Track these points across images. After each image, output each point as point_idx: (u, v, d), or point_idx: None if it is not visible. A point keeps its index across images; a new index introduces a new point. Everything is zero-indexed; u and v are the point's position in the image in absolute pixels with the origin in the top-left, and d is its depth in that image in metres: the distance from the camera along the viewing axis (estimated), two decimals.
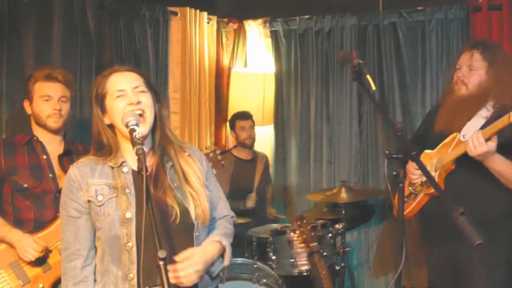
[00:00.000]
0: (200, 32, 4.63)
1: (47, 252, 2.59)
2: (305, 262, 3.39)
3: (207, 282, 1.92)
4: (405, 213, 2.85)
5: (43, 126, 2.79)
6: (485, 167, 2.54)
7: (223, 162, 3.45)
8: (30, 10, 3.39)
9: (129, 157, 1.89)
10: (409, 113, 4.34)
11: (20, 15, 3.34)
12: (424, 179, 2.77)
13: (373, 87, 1.77)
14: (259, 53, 4.89)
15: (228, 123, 4.88)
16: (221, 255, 1.97)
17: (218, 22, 4.89)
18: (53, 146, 2.85)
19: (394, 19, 4.37)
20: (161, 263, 1.45)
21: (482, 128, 2.57)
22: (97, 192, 1.83)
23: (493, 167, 2.53)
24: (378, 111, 1.84)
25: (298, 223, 3.32)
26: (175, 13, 4.48)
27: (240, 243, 3.84)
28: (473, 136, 2.48)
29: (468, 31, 4.08)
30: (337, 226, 3.58)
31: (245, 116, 4.40)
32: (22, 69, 3.34)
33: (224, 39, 4.98)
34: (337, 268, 3.69)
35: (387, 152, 1.79)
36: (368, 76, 1.76)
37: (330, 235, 3.54)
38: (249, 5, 4.96)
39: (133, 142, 1.71)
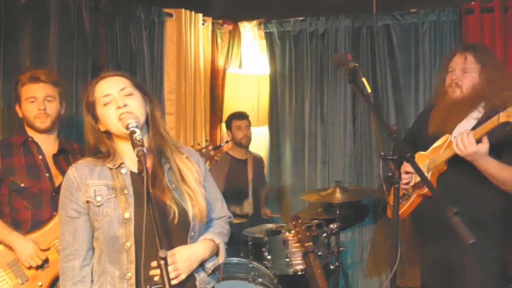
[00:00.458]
0: (195, 34, 4.65)
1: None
2: (300, 262, 3.42)
3: (203, 279, 1.94)
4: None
5: (32, 127, 2.83)
6: (477, 168, 2.58)
7: (216, 158, 3.47)
8: (26, 12, 3.40)
9: (127, 159, 1.92)
10: (402, 114, 4.38)
11: (16, 17, 3.35)
12: (417, 180, 2.82)
13: (369, 90, 1.80)
14: (254, 55, 4.92)
15: (224, 124, 4.91)
16: (216, 253, 1.99)
17: (213, 24, 4.92)
18: (48, 146, 2.87)
19: (388, 21, 4.40)
20: (162, 262, 1.47)
21: (473, 129, 2.61)
22: (96, 192, 1.85)
23: (484, 169, 2.56)
24: (373, 113, 1.87)
25: (293, 223, 3.35)
26: (171, 15, 4.50)
27: (236, 243, 3.87)
28: (463, 136, 2.51)
29: (461, 33, 4.12)
30: (331, 226, 3.61)
31: (241, 116, 4.44)
32: (19, 71, 3.31)
33: (219, 40, 5.00)
34: (332, 267, 3.73)
35: (382, 153, 1.82)
36: (364, 79, 1.79)
37: (324, 235, 3.57)
38: (244, 7, 4.98)
39: (134, 144, 1.73)
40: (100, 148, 1.92)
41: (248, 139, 4.43)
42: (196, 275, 1.91)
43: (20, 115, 2.85)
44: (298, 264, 3.43)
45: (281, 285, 3.43)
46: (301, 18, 4.72)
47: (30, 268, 2.61)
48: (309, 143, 4.71)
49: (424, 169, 2.78)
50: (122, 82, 1.92)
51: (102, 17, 3.90)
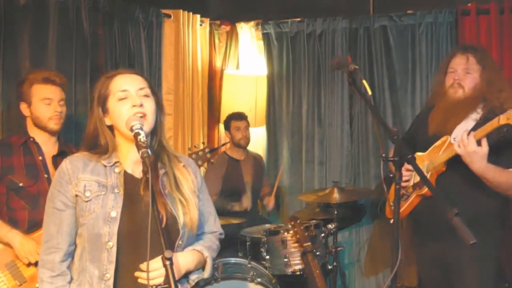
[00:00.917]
0: (193, 35, 4.67)
1: None
2: (298, 262, 3.43)
3: None
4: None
5: (43, 128, 2.84)
6: None
7: (212, 160, 3.48)
8: (25, 13, 3.41)
9: (124, 159, 1.90)
10: (399, 114, 4.40)
11: (15, 18, 3.35)
12: (416, 180, 2.84)
13: (369, 92, 1.82)
14: (251, 55, 4.94)
15: (222, 124, 4.93)
16: (202, 267, 1.95)
17: (210, 25, 4.92)
18: (48, 147, 2.90)
19: (385, 23, 4.42)
20: (168, 263, 1.46)
21: (472, 130, 2.64)
22: (86, 187, 1.83)
23: (481, 173, 2.58)
24: (374, 115, 1.89)
25: (292, 223, 3.38)
26: (169, 16, 4.51)
27: (234, 243, 3.88)
28: (464, 135, 2.54)
29: (457, 35, 4.15)
30: (329, 226, 3.64)
31: (240, 116, 4.45)
32: (18, 72, 3.35)
33: (216, 41, 5.01)
34: (329, 267, 3.75)
35: (383, 155, 1.84)
36: (364, 81, 1.81)
37: (322, 235, 3.60)
38: (241, 8, 5.00)
39: (138, 146, 1.70)
40: (99, 140, 1.89)
41: (247, 140, 4.45)
42: (180, 285, 1.83)
43: (26, 114, 2.86)
44: (296, 264, 3.44)
45: (279, 285, 3.44)
46: (298, 19, 4.73)
47: (29, 265, 2.62)
48: (306, 143, 4.72)
49: (423, 170, 2.81)
50: (141, 82, 1.90)
51: (101, 18, 3.91)
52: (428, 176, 2.78)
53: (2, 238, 2.65)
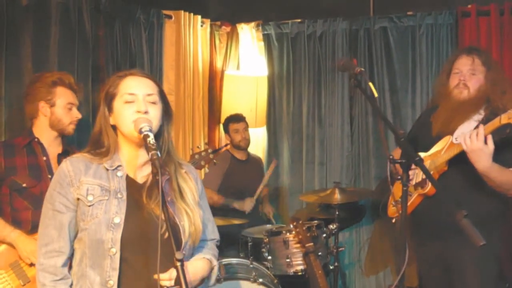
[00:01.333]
0: (194, 35, 4.68)
1: None
2: (300, 262, 3.45)
3: None
4: (398, 214, 2.95)
5: (61, 130, 2.89)
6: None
7: (215, 161, 3.49)
8: (27, 14, 3.40)
9: (126, 162, 1.87)
10: (399, 115, 4.42)
11: (18, 19, 3.35)
12: (418, 180, 2.86)
13: (375, 94, 1.83)
14: (252, 56, 4.95)
15: (221, 126, 4.95)
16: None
17: (211, 25, 4.93)
18: (53, 147, 2.91)
19: (385, 24, 4.43)
20: (178, 264, 1.46)
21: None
22: (89, 191, 1.79)
23: (485, 172, 2.60)
24: (380, 118, 1.90)
25: (294, 224, 3.39)
26: (170, 17, 4.51)
27: (235, 243, 3.90)
28: (473, 132, 2.55)
29: (457, 36, 4.16)
30: (331, 226, 3.65)
31: (238, 118, 4.46)
32: (20, 73, 3.35)
33: (217, 42, 5.02)
34: (331, 267, 3.77)
35: (391, 156, 1.85)
36: (370, 84, 1.83)
37: (324, 235, 3.61)
38: (242, 9, 5.01)
39: (147, 148, 1.69)
40: (103, 140, 1.86)
41: (247, 141, 4.45)
42: None
43: (45, 114, 2.86)
44: (298, 264, 3.45)
45: (281, 285, 3.46)
46: (299, 20, 4.75)
47: (31, 265, 2.63)
48: (307, 144, 4.74)
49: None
50: (151, 88, 1.87)
51: (102, 19, 3.91)
52: None
53: (5, 238, 2.66)
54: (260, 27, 4.89)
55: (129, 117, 1.81)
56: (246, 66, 4.98)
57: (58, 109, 2.85)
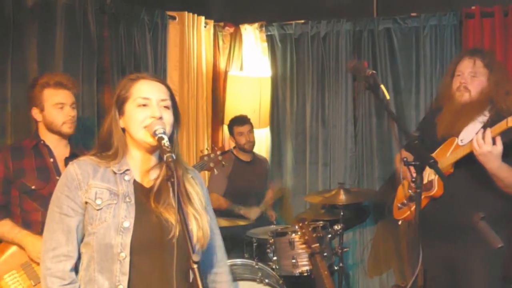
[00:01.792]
0: (197, 36, 4.69)
1: None
2: (306, 263, 3.45)
3: None
4: (405, 215, 2.98)
5: (57, 132, 2.86)
6: (483, 170, 2.62)
7: (223, 162, 3.49)
8: (33, 15, 3.42)
9: (134, 166, 1.86)
10: (403, 116, 4.41)
11: (23, 20, 3.36)
12: (424, 182, 2.87)
13: (387, 96, 1.84)
14: (255, 57, 4.96)
15: (225, 126, 4.97)
16: None
17: (214, 26, 4.94)
18: (60, 149, 2.91)
19: (389, 25, 4.45)
20: (195, 266, 1.46)
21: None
22: (97, 195, 1.77)
23: (495, 172, 2.61)
24: (393, 120, 1.91)
25: (300, 224, 3.39)
26: (173, 18, 4.53)
27: (240, 244, 3.90)
28: (479, 135, 2.56)
29: (461, 38, 4.18)
30: (335, 227, 3.66)
31: (242, 121, 4.45)
32: (26, 74, 3.37)
33: (220, 43, 5.04)
34: (336, 268, 3.78)
35: (405, 159, 1.86)
36: (382, 86, 1.83)
37: (329, 236, 3.62)
38: (245, 10, 5.02)
39: (162, 150, 1.67)
40: (111, 142, 1.83)
41: (251, 143, 4.44)
42: None
43: (39, 119, 2.86)
44: (304, 265, 3.46)
45: (286, 286, 3.47)
46: (302, 21, 4.76)
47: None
48: (310, 144, 4.75)
49: (430, 172, 2.83)
50: (164, 93, 1.86)
51: (107, 20, 3.92)
52: (436, 178, 2.81)
53: (13, 239, 2.67)
54: (264, 28, 4.89)
55: (141, 121, 1.79)
56: (250, 67, 4.99)
57: (47, 112, 2.82)
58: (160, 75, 4.40)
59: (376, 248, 4.57)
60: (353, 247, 4.59)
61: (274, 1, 4.98)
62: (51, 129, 2.85)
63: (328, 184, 4.64)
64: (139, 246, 1.75)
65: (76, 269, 1.83)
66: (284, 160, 4.87)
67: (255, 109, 4.84)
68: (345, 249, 3.78)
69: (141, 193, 1.83)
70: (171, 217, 1.77)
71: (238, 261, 3.53)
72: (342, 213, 3.78)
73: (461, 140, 2.77)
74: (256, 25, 4.91)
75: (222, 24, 5.02)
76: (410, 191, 2.93)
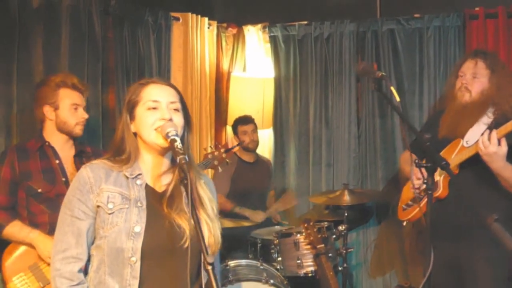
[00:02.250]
0: (201, 37, 4.69)
1: None
2: (311, 263, 3.47)
3: None
4: (409, 216, 2.99)
5: (68, 132, 2.86)
6: (488, 171, 2.64)
7: (227, 160, 3.50)
8: (38, 17, 3.42)
9: (146, 170, 1.87)
10: (406, 117, 4.43)
11: (29, 22, 3.36)
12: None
13: (397, 98, 1.85)
14: (258, 58, 4.96)
15: (228, 127, 4.97)
16: None
17: (217, 27, 4.95)
18: (65, 150, 2.91)
19: (392, 26, 4.45)
20: (210, 267, 1.47)
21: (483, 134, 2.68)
22: (109, 199, 1.78)
23: (499, 172, 2.63)
24: (403, 122, 1.92)
25: (305, 225, 3.41)
26: (177, 19, 4.53)
27: (244, 244, 3.91)
28: (485, 136, 2.57)
29: (465, 39, 4.19)
30: (340, 227, 3.68)
31: (246, 120, 4.46)
32: (32, 75, 3.37)
33: (223, 43, 5.04)
34: (340, 268, 3.79)
35: (416, 160, 1.87)
36: (392, 88, 1.84)
37: (334, 236, 3.63)
38: (248, 11, 5.03)
39: (175, 153, 1.69)
40: (124, 147, 1.86)
41: (255, 143, 4.45)
42: None
43: (51, 118, 2.85)
44: (309, 265, 3.47)
45: (290, 286, 3.48)
46: (306, 22, 4.76)
47: (49, 266, 2.64)
48: (314, 145, 4.75)
49: (436, 173, 2.84)
50: (174, 96, 1.88)
51: (111, 21, 3.93)
52: (441, 179, 2.83)
53: (24, 239, 2.67)
54: (267, 29, 4.90)
55: (152, 124, 1.81)
56: (253, 68, 4.99)
57: (63, 111, 2.83)
58: (164, 76, 4.41)
59: (379, 249, 4.58)
60: (357, 247, 4.59)
61: (277, 2, 4.99)
62: (63, 129, 2.85)
63: (332, 185, 4.65)
64: (150, 251, 1.76)
65: (85, 270, 1.85)
66: (287, 160, 4.88)
67: (258, 110, 4.84)
68: (350, 250, 3.80)
69: (153, 198, 1.84)
70: (184, 223, 1.79)
71: (243, 261, 3.54)
72: (346, 214, 3.79)
73: (467, 141, 2.79)
74: (259, 26, 4.91)
75: (225, 25, 5.02)
76: (415, 192, 2.95)
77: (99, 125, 3.78)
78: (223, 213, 3.88)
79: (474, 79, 2.85)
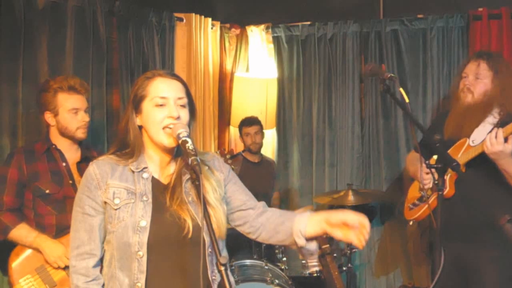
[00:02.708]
0: (204, 38, 4.70)
1: None
2: (316, 264, 3.47)
3: None
4: (416, 216, 3.00)
5: (71, 137, 2.85)
6: (495, 170, 2.66)
7: (232, 166, 3.51)
8: (43, 18, 3.43)
9: (151, 164, 1.88)
10: (416, 118, 4.43)
11: (34, 23, 3.37)
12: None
13: (407, 99, 1.85)
14: (262, 58, 4.96)
15: (231, 128, 4.99)
16: None
17: (221, 28, 4.96)
18: (71, 153, 2.90)
19: (396, 27, 4.45)
20: (222, 268, 1.47)
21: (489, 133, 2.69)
22: (115, 195, 1.80)
23: (506, 169, 2.64)
24: (413, 123, 1.92)
25: None
26: (181, 19, 4.53)
27: (248, 245, 3.91)
28: (492, 134, 2.59)
29: (468, 39, 4.19)
30: None
31: (249, 122, 4.46)
32: (37, 76, 3.37)
33: (226, 44, 5.04)
34: (344, 269, 3.80)
35: (427, 162, 1.88)
36: (401, 89, 1.85)
37: None
38: (252, 11, 5.03)
39: (187, 154, 1.70)
40: (128, 138, 1.86)
41: (257, 145, 4.43)
42: None
43: (52, 123, 2.84)
44: (314, 265, 3.48)
45: (295, 287, 3.48)
46: (309, 22, 4.77)
47: (58, 268, 2.65)
48: (317, 146, 4.75)
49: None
50: (181, 90, 1.87)
51: (115, 22, 3.93)
52: (447, 178, 2.83)
53: (31, 243, 2.66)
54: (270, 30, 4.90)
55: (160, 122, 1.81)
56: (256, 68, 5.00)
57: (62, 117, 2.81)
58: None
59: (383, 249, 4.59)
60: None
61: (281, 2, 4.99)
62: (65, 134, 2.84)
63: (335, 185, 4.66)
64: (156, 244, 1.78)
65: (101, 265, 1.88)
66: (290, 161, 4.88)
67: (261, 110, 4.84)
68: (354, 250, 3.81)
69: (159, 191, 1.85)
70: (184, 214, 1.80)
71: (247, 261, 3.55)
72: None
73: (473, 140, 2.80)
74: (262, 26, 4.92)
75: (228, 25, 5.02)
76: (421, 192, 2.96)
77: (103, 126, 3.78)
78: None
79: (476, 80, 2.86)
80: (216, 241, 1.57)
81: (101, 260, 1.87)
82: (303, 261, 3.48)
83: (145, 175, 1.85)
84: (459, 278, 2.91)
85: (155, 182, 1.86)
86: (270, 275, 3.36)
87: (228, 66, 5.06)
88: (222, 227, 1.85)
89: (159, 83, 1.85)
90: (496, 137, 2.56)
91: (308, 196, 4.72)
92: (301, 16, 4.84)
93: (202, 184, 1.62)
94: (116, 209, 1.79)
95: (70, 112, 2.81)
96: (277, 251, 3.65)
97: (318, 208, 4.61)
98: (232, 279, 1.86)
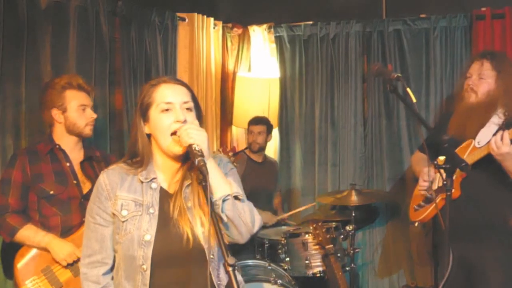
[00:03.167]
0: (206, 38, 4.69)
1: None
2: (319, 264, 3.48)
3: None
4: (421, 217, 2.99)
5: (78, 134, 2.85)
6: (500, 171, 2.65)
7: (235, 164, 3.50)
8: (46, 17, 3.42)
9: (160, 173, 1.88)
10: (413, 118, 4.43)
11: (37, 23, 3.37)
12: (440, 184, 2.88)
13: (414, 100, 1.85)
14: (264, 58, 4.96)
15: (233, 127, 4.99)
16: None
17: (223, 27, 4.95)
18: (75, 153, 2.90)
19: (399, 26, 4.45)
20: (230, 269, 1.47)
21: (494, 134, 2.69)
22: (123, 206, 1.82)
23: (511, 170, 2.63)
24: (421, 123, 1.92)
25: (314, 225, 3.41)
26: (183, 19, 4.53)
27: (251, 245, 3.91)
28: (497, 136, 2.58)
29: (471, 39, 4.19)
30: (347, 228, 3.68)
31: (256, 121, 4.46)
32: (40, 76, 3.36)
33: (229, 44, 5.04)
34: (347, 269, 3.79)
35: (435, 162, 1.87)
36: (409, 89, 1.84)
37: (342, 236, 3.64)
38: (254, 11, 5.02)
39: (193, 155, 1.69)
40: (137, 147, 1.87)
41: (256, 145, 4.42)
42: None
43: (59, 121, 2.83)
44: (317, 266, 3.49)
45: (298, 287, 3.48)
46: (311, 22, 4.76)
47: (67, 267, 2.64)
48: (319, 145, 4.75)
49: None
50: (186, 95, 1.87)
51: (118, 22, 3.93)
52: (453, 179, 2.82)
53: (39, 243, 2.65)
54: (272, 29, 4.89)
55: (167, 127, 1.81)
56: (258, 68, 4.99)
57: (71, 113, 2.81)
58: None
59: (386, 249, 4.59)
60: (363, 247, 4.60)
61: (283, 2, 4.99)
62: (73, 130, 2.83)
63: (337, 185, 4.65)
64: (160, 259, 1.79)
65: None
66: (293, 161, 4.88)
67: (263, 110, 4.83)
68: (357, 250, 3.81)
69: (165, 200, 1.85)
70: (184, 223, 1.80)
71: (250, 262, 3.54)
72: (353, 214, 3.79)
73: (478, 142, 2.79)
74: (264, 26, 4.91)
75: (230, 25, 5.02)
76: (426, 192, 2.95)
77: (106, 126, 3.77)
78: None
79: (480, 80, 2.86)
80: (223, 242, 1.57)
81: (112, 268, 1.90)
82: (307, 261, 3.47)
83: (153, 185, 1.86)
84: (464, 278, 2.90)
85: (163, 192, 1.87)
86: (274, 275, 3.36)
87: (230, 66, 5.05)
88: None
89: (164, 89, 1.85)
90: (502, 139, 2.56)
91: (310, 196, 4.71)
92: (304, 16, 4.83)
93: (209, 184, 1.62)
94: (123, 221, 1.81)
95: (79, 108, 2.83)
96: (280, 251, 3.65)
97: (321, 207, 4.61)
98: (240, 278, 1.87)
